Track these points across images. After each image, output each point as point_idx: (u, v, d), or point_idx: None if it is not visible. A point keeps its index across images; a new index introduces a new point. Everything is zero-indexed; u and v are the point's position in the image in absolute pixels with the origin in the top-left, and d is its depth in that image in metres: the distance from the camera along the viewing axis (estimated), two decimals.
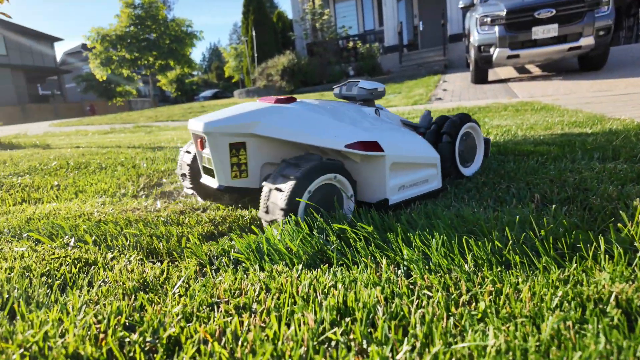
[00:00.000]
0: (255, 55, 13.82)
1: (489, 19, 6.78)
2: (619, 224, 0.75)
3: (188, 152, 1.24)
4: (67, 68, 37.01)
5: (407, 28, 14.23)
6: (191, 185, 1.23)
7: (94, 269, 0.73)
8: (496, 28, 6.72)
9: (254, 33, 13.63)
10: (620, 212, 0.82)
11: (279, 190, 0.88)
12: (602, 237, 0.68)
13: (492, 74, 8.57)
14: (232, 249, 0.80)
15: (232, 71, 26.33)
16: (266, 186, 0.92)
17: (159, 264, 0.79)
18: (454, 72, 10.54)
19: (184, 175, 1.25)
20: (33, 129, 9.59)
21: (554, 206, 0.92)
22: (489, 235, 0.75)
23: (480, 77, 7.72)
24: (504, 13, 6.56)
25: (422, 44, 13.95)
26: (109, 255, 0.81)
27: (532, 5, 6.38)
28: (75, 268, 0.74)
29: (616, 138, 1.59)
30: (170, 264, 0.79)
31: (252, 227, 0.97)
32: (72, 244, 0.90)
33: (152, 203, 1.32)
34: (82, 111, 30.45)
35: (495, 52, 6.79)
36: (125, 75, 22.87)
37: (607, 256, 0.64)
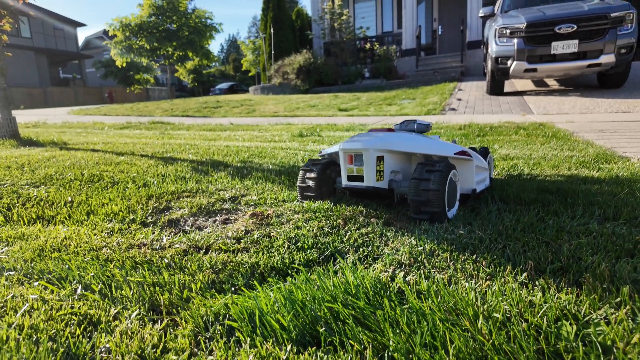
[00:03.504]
0: (272, 52, 13.85)
1: (508, 31, 6.70)
2: (602, 322, 0.77)
3: (310, 171, 1.68)
4: (88, 53, 37.57)
5: (425, 31, 14.09)
6: (314, 194, 1.67)
7: (96, 332, 0.78)
8: (515, 40, 6.64)
9: (272, 30, 13.64)
10: (606, 306, 0.83)
11: (427, 180, 1.34)
12: (583, 336, 0.70)
13: (509, 85, 8.47)
14: (227, 316, 0.84)
15: (249, 65, 26.42)
16: (414, 180, 1.37)
17: (159, 323, 0.84)
18: (470, 79, 10.43)
19: (308, 187, 1.67)
20: (52, 117, 9.81)
21: (545, 282, 0.94)
22: (476, 322, 0.77)
23: (496, 89, 7.65)
24: (523, 26, 6.48)
25: (440, 49, 13.81)
26: (112, 311, 0.86)
27: (553, 20, 6.29)
28: (80, 328, 0.79)
29: (620, 190, 1.59)
30: (169, 324, 0.83)
31: (252, 289, 1.01)
32: (78, 291, 0.95)
33: (158, 235, 1.37)
34: (100, 96, 30.93)
35: (513, 65, 6.72)
36: (144, 64, 23.15)
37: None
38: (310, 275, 1.03)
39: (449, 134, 3.66)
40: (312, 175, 1.65)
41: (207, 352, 0.74)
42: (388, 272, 1.05)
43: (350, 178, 1.52)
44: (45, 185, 2.11)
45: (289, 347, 0.73)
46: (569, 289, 0.93)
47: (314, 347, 0.73)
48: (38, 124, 7.88)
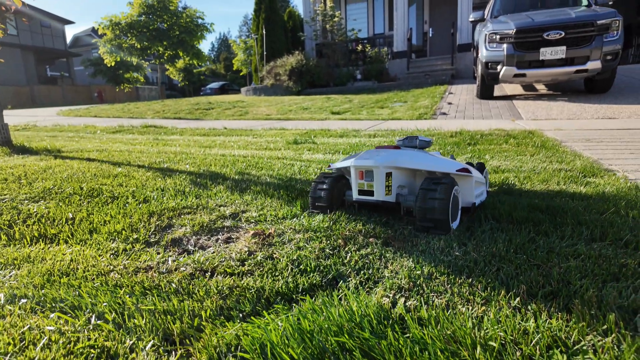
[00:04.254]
0: (264, 53, 13.83)
1: (497, 37, 6.82)
2: (590, 351, 0.83)
3: (322, 183, 1.81)
4: (76, 51, 37.01)
5: (416, 34, 14.20)
6: (325, 204, 1.77)
7: None
8: (504, 46, 6.76)
9: (264, 31, 13.62)
10: (594, 333, 0.90)
11: (434, 190, 1.48)
12: None
13: (498, 89, 8.60)
14: (239, 346, 0.88)
15: (240, 64, 26.31)
16: (422, 190, 1.51)
17: (174, 354, 0.88)
18: (460, 82, 10.56)
19: (320, 198, 1.78)
20: (41, 119, 9.69)
21: (537, 307, 1.00)
22: (474, 352, 0.83)
23: (486, 93, 7.77)
24: (512, 32, 6.60)
25: (431, 51, 13.94)
26: (128, 342, 0.90)
27: (541, 26, 6.42)
28: None
29: (607, 208, 1.67)
30: (182, 355, 0.87)
31: (259, 315, 1.06)
32: (92, 321, 0.99)
33: (163, 257, 1.41)
34: (89, 95, 30.53)
35: (502, 70, 6.84)
36: (134, 63, 22.91)
37: None
38: (315, 301, 1.08)
39: (441, 142, 3.73)
40: (324, 187, 1.78)
41: None
42: (389, 297, 1.10)
43: (361, 192, 1.66)
44: (44, 200, 2.12)
45: None
46: (559, 314, 0.99)
47: None
48: (28, 127, 7.79)
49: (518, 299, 1.06)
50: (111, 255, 1.43)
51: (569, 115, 5.66)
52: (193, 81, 33.75)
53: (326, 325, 0.91)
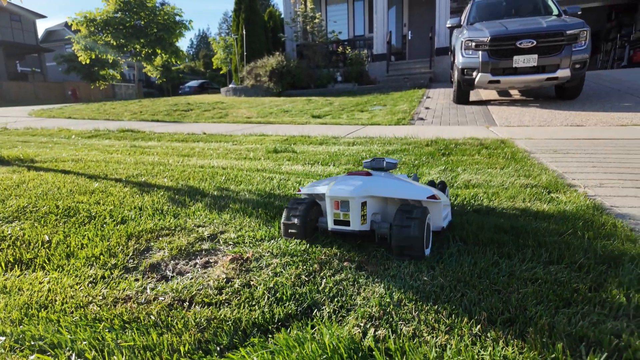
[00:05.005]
0: (245, 53, 13.74)
1: (473, 44, 7.00)
2: None
3: (295, 209, 1.78)
4: (49, 46, 35.82)
5: (396, 36, 14.38)
6: (297, 232, 1.76)
7: None
8: (480, 53, 6.95)
9: (244, 32, 13.53)
10: None
11: (408, 227, 1.53)
12: None
13: (474, 94, 8.82)
14: None
15: (220, 62, 26.01)
16: (396, 227, 1.55)
17: None
18: (438, 86, 10.78)
19: (292, 225, 1.76)
20: (12, 119, 9.40)
21: (495, 334, 1.08)
22: None
23: (462, 98, 7.97)
24: (487, 39, 6.79)
25: (410, 54, 14.15)
26: None
27: (514, 35, 6.63)
28: None
29: (565, 229, 1.78)
30: None
31: (236, 349, 1.11)
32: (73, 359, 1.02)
33: (142, 285, 1.44)
34: (62, 92, 29.61)
35: (478, 77, 7.03)
36: (110, 60, 22.37)
37: None
38: (290, 333, 1.13)
39: (417, 151, 3.84)
40: (297, 214, 1.76)
41: None
42: (360, 326, 1.16)
43: (337, 222, 1.66)
44: (19, 220, 2.11)
45: None
46: (515, 341, 1.08)
47: None
48: None
49: (479, 326, 1.14)
50: (89, 284, 1.45)
51: (540, 121, 5.88)
52: (171, 79, 33.16)
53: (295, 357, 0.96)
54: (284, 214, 1.79)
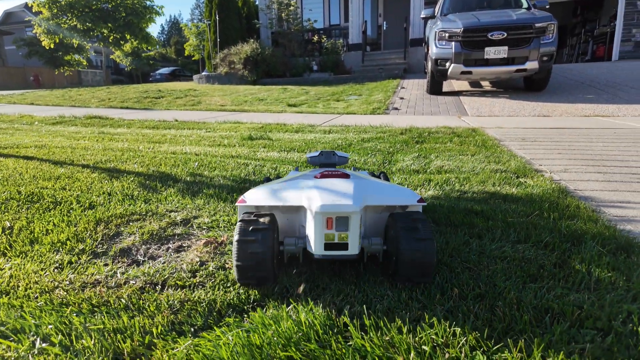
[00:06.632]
0: (218, 40, 13.42)
1: (447, 35, 7.09)
2: (506, 351, 0.95)
3: (254, 241, 1.20)
4: (8, 29, 33.83)
5: (371, 26, 14.40)
6: (265, 274, 1.23)
7: None
8: (453, 44, 7.05)
9: (217, 17, 13.20)
10: (512, 332, 1.02)
11: (419, 250, 1.19)
12: None
13: (447, 85, 8.97)
14: None
15: (192, 49, 25.34)
16: (405, 250, 1.19)
17: None
18: (412, 77, 10.89)
19: (255, 265, 1.20)
20: None
21: (467, 308, 1.11)
22: (408, 356, 0.92)
23: (436, 89, 8.08)
24: (460, 30, 6.89)
25: (385, 45, 14.21)
26: None
27: (486, 27, 6.75)
28: None
29: (532, 211, 1.85)
30: None
31: (211, 329, 1.09)
32: (37, 344, 0.98)
33: (112, 270, 1.39)
34: (24, 78, 28.10)
35: (451, 67, 7.13)
36: (75, 45, 21.38)
37: None
38: (266, 312, 1.13)
39: (392, 139, 3.87)
40: (258, 247, 1.18)
41: None
42: (336, 304, 1.17)
43: (330, 246, 1.21)
44: None
45: None
46: (485, 315, 1.11)
47: None
48: None
49: (451, 301, 1.18)
50: (55, 270, 1.39)
51: (509, 112, 6.05)
52: (141, 65, 32.05)
53: (275, 339, 0.96)
54: (237, 250, 1.19)
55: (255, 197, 1.33)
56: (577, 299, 1.16)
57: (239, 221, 1.24)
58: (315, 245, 1.22)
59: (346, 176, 1.42)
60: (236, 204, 1.35)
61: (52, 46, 19.24)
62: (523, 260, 1.41)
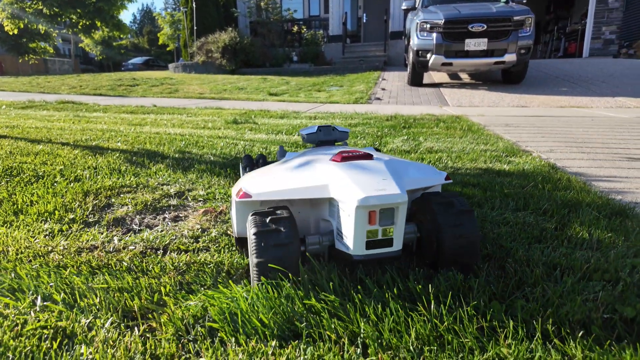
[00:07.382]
0: (195, 28, 13.10)
1: (428, 26, 7.15)
2: (521, 298, 0.96)
3: (278, 232, 1.00)
4: None
5: (351, 18, 14.39)
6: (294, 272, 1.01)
7: (75, 345, 0.77)
8: (434, 35, 7.12)
9: (194, 5, 12.87)
10: (525, 285, 1.03)
11: (461, 224, 1.08)
12: (510, 313, 0.88)
13: (427, 77, 9.07)
14: (207, 317, 0.88)
15: (166, 39, 24.69)
16: (448, 227, 1.07)
17: (137, 329, 0.85)
18: (392, 69, 10.97)
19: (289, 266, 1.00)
20: None
21: (477, 267, 1.12)
22: (429, 307, 0.91)
23: (416, 80, 8.15)
24: (442, 22, 6.96)
25: (365, 37, 14.24)
26: (84, 321, 0.85)
27: (466, 19, 6.85)
28: (56, 342, 0.77)
29: (527, 183, 1.88)
30: (146, 330, 0.85)
31: (219, 286, 1.05)
32: (38, 302, 0.91)
33: (108, 237, 1.33)
34: None
35: (432, 59, 7.20)
36: (42, 32, 20.40)
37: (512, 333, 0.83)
38: None
39: (379, 125, 3.88)
40: (284, 241, 0.98)
41: (194, 354, 0.78)
42: (347, 267, 1.15)
43: (371, 244, 1.01)
44: None
45: (273, 343, 0.80)
46: (496, 272, 1.12)
47: (296, 341, 0.81)
48: None
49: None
50: (46, 237, 1.31)
51: (489, 103, 6.19)
52: (113, 55, 30.94)
53: (293, 291, 0.93)
54: (257, 247, 0.97)
55: (262, 189, 1.08)
56: (583, 255, 1.19)
57: (253, 214, 1.03)
58: (355, 244, 1.00)
59: (369, 156, 1.19)
60: (237, 199, 1.09)
61: (15, 32, 18.24)
62: (525, 224, 1.43)
